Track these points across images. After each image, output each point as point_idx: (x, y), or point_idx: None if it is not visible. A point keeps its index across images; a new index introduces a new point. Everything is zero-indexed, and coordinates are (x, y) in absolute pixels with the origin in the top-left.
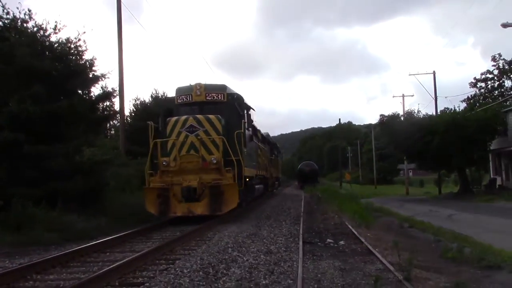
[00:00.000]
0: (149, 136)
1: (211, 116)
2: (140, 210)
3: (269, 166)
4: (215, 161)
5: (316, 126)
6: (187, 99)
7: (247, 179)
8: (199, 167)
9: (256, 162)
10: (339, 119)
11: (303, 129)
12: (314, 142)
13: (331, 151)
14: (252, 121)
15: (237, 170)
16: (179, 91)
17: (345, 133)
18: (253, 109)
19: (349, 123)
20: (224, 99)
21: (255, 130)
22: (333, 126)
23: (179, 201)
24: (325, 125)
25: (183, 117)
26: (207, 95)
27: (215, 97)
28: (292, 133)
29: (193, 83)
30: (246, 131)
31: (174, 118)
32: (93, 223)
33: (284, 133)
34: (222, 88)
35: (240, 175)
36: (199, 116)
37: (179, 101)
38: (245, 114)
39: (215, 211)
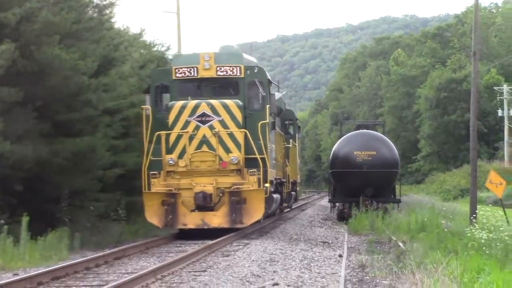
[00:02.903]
0: (142, 125)
1: (228, 102)
2: None
3: (285, 163)
4: (236, 161)
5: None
6: (191, 74)
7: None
8: (216, 168)
9: (274, 160)
10: None
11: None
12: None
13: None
14: (275, 104)
15: (262, 171)
16: (178, 60)
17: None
18: (275, 84)
19: None
20: (242, 74)
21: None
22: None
23: (190, 210)
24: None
25: (193, 102)
26: (218, 68)
27: (229, 71)
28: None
29: (197, 51)
30: (271, 118)
31: (180, 103)
32: None
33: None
34: (238, 58)
35: (265, 178)
36: (213, 101)
37: (178, 75)
38: (269, 95)
39: (235, 223)
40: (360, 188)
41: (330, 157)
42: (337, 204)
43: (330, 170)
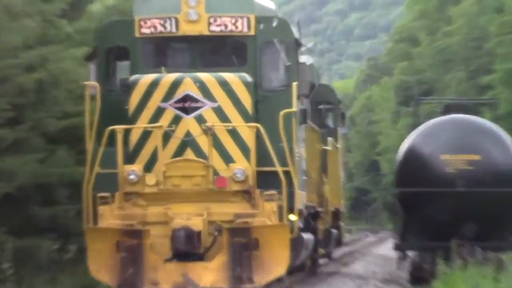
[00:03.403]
0: (85, 116)
1: (229, 76)
2: None
3: (322, 178)
4: (241, 177)
5: None
6: (166, 29)
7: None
8: (207, 189)
9: (305, 174)
10: None
11: None
12: None
13: None
14: (307, 79)
15: (287, 194)
16: (146, 7)
17: None
18: (306, 47)
19: None
20: (251, 30)
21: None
22: None
23: (164, 260)
24: None
25: (171, 76)
26: (212, 20)
27: (230, 25)
28: None
29: None
30: (299, 104)
31: (149, 78)
32: None
33: None
34: (247, 4)
35: (291, 206)
36: (204, 75)
37: (144, 31)
38: (297, 64)
39: (240, 282)
40: (452, 224)
41: (397, 165)
42: (409, 253)
43: (396, 190)
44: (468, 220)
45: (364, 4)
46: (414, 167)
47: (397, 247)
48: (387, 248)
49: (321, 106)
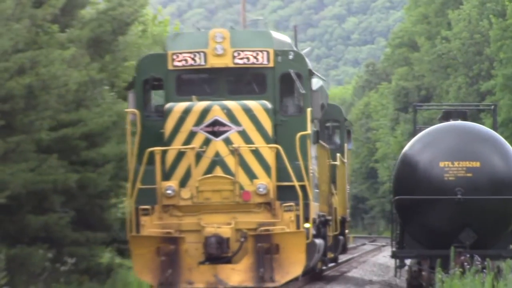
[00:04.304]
0: (126, 137)
1: (252, 104)
2: None
3: (331, 191)
4: (264, 191)
5: None
6: (196, 62)
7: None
8: (234, 201)
9: (317, 187)
10: None
11: None
12: None
13: None
14: (319, 105)
15: (303, 205)
16: (177, 42)
17: None
18: (321, 78)
19: None
20: (271, 62)
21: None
22: None
23: (198, 263)
24: None
25: (201, 104)
26: (236, 54)
27: (252, 58)
28: None
29: (203, 28)
30: (313, 127)
31: (182, 106)
32: None
33: None
34: (266, 40)
35: (307, 215)
36: (230, 103)
37: (177, 64)
38: (310, 92)
39: (263, 282)
40: (450, 232)
41: (394, 172)
42: (407, 261)
43: (394, 198)
44: (467, 227)
45: (362, 8)
46: (413, 174)
47: (395, 255)
48: (384, 256)
49: (328, 124)
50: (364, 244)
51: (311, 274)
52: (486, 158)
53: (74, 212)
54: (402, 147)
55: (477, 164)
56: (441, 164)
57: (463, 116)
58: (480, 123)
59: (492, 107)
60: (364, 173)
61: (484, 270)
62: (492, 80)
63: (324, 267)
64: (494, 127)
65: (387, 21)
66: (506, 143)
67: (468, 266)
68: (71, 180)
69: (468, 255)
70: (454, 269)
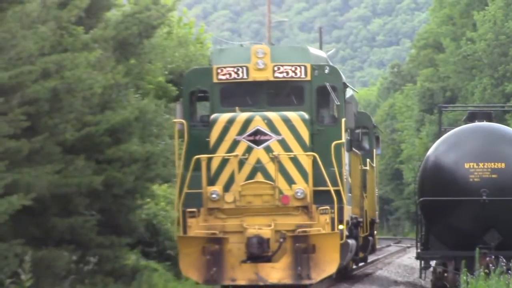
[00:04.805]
0: (174, 148)
1: (291, 115)
2: None
3: (362, 194)
4: (301, 195)
5: None
6: (239, 76)
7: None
8: (274, 205)
9: (350, 191)
10: None
11: None
12: None
13: None
14: (352, 116)
15: (337, 209)
16: (221, 57)
17: None
18: (353, 90)
19: None
20: (308, 76)
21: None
22: None
23: (241, 261)
24: None
25: (244, 115)
26: (276, 68)
27: (291, 72)
28: None
29: (245, 43)
30: (346, 136)
31: (226, 117)
32: None
33: None
34: (304, 55)
35: (341, 218)
36: (270, 114)
37: (221, 77)
38: (344, 104)
39: (301, 279)
40: (475, 233)
41: (419, 174)
42: (432, 262)
43: (419, 199)
44: (492, 229)
45: (387, 10)
46: (438, 176)
47: (420, 257)
48: (409, 257)
49: (358, 130)
50: (389, 246)
51: (343, 272)
52: (511, 159)
53: (100, 214)
54: (427, 149)
55: (502, 165)
56: (466, 166)
57: (488, 117)
58: (505, 124)
59: None
60: (389, 174)
61: (509, 272)
62: None
63: (355, 266)
64: None
65: (412, 22)
66: None
67: (493, 268)
68: (96, 182)
69: (493, 256)
70: (479, 271)
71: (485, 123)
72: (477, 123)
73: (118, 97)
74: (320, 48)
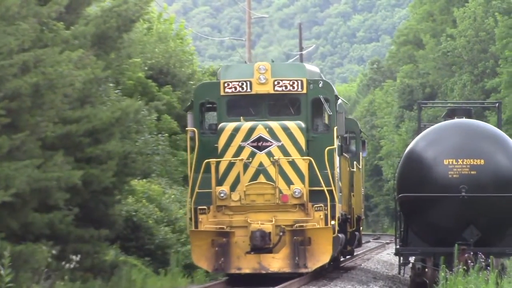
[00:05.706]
0: (187, 149)
1: (290, 124)
2: None
3: (350, 193)
4: (299, 194)
5: None
6: (243, 89)
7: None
8: (275, 203)
9: (340, 191)
10: None
11: None
12: None
13: None
14: (343, 124)
15: (330, 206)
16: (228, 73)
17: None
18: (343, 101)
19: None
20: (304, 89)
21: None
22: None
23: (245, 252)
24: None
25: (248, 124)
26: (276, 83)
27: (289, 86)
28: None
29: (248, 61)
30: (338, 142)
31: (232, 125)
32: None
33: None
34: (300, 71)
35: (333, 214)
36: (272, 123)
37: (227, 90)
38: (336, 114)
39: (298, 268)
40: (454, 229)
41: (399, 170)
42: (411, 259)
43: (398, 195)
44: (471, 225)
45: (367, 6)
46: (417, 172)
47: (399, 253)
48: (388, 253)
49: (346, 135)
50: (368, 242)
51: (334, 263)
52: (490, 156)
53: (78, 208)
54: (407, 145)
55: (481, 161)
56: (446, 162)
57: (468, 114)
58: (485, 121)
59: (497, 105)
60: (369, 170)
61: (488, 268)
62: (497, 78)
63: (342, 258)
64: (498, 125)
65: (392, 19)
66: (510, 141)
67: (472, 264)
68: (75, 177)
69: (472, 253)
70: (458, 267)
71: (464, 120)
72: (456, 120)
73: (97, 92)
74: (300, 44)
